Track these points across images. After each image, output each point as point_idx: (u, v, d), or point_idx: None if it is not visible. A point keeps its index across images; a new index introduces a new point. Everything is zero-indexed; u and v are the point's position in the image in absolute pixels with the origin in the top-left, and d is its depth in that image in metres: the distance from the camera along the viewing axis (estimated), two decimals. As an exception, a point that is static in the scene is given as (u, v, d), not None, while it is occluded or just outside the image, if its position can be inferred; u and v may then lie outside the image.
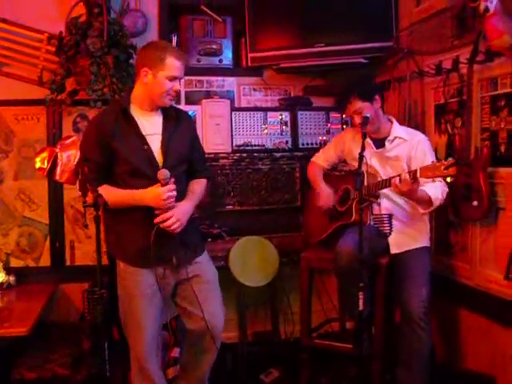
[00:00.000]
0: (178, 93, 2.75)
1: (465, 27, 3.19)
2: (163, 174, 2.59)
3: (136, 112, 2.73)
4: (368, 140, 3.17)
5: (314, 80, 4.24)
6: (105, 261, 3.88)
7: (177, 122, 2.81)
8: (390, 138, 3.23)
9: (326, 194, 3.39)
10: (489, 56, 3.00)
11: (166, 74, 2.65)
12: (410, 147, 3.19)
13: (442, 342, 3.52)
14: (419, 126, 3.61)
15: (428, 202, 3.00)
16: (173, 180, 2.61)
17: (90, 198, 2.49)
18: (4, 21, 3.74)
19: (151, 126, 2.72)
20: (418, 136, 3.25)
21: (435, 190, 3.00)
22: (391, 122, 3.29)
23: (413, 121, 3.68)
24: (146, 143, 2.68)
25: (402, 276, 3.17)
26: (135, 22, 3.92)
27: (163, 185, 2.58)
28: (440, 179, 2.95)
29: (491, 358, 3.09)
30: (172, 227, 2.63)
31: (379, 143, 3.23)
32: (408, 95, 3.71)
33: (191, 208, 2.78)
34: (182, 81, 2.74)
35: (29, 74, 3.81)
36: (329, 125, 4.09)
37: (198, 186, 2.90)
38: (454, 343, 3.42)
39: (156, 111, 2.77)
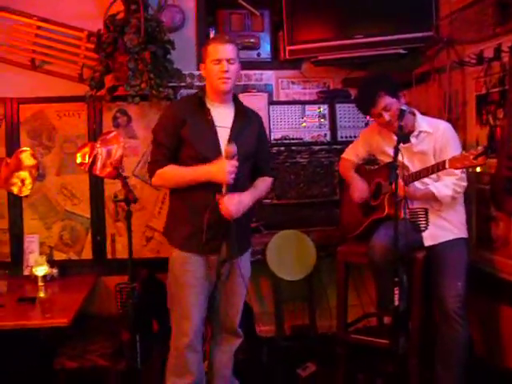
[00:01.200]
0: (229, 72, 2.72)
1: (507, 13, 3.08)
2: (232, 147, 2.65)
3: (209, 104, 2.81)
4: (393, 136, 3.11)
5: (354, 72, 4.18)
6: (146, 254, 4.03)
7: (246, 119, 2.87)
8: (415, 133, 3.16)
9: (360, 187, 3.34)
10: (533, 44, 2.90)
11: (211, 60, 2.73)
12: (434, 140, 3.13)
13: (482, 339, 3.43)
14: (460, 118, 3.52)
15: (435, 199, 3.03)
16: (237, 158, 2.66)
17: (121, 194, 2.53)
18: (45, 20, 3.84)
19: (222, 119, 2.78)
20: (441, 126, 3.18)
21: (443, 187, 3.02)
22: (414, 115, 3.20)
23: (453, 112, 3.58)
24: (216, 133, 2.75)
25: (438, 269, 3.11)
26: (173, 18, 3.96)
27: (228, 158, 2.64)
28: (463, 171, 2.90)
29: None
30: (229, 212, 2.67)
31: (405, 138, 3.12)
32: (448, 86, 3.60)
33: (251, 200, 2.81)
34: (236, 63, 2.74)
35: (69, 71, 3.90)
36: (368, 117, 4.00)
37: (262, 183, 2.96)
38: (493, 340, 3.32)
39: (227, 105, 2.84)
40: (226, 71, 2.70)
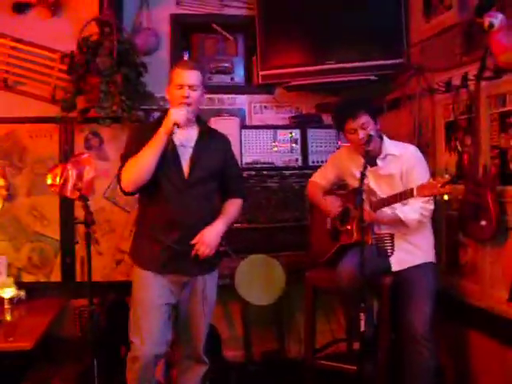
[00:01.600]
0: (189, 98, 2.73)
1: (473, 43, 3.14)
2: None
3: None
4: (361, 159, 3.12)
5: (326, 98, 4.22)
6: (116, 277, 3.98)
7: (210, 139, 2.87)
8: (382, 156, 3.18)
9: (330, 201, 3.33)
10: (497, 72, 2.93)
11: (173, 85, 2.76)
12: (401, 163, 3.15)
13: (452, 365, 3.42)
14: (430, 144, 3.56)
15: (401, 223, 3.05)
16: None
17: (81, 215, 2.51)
18: (19, 40, 3.84)
19: (184, 139, 2.78)
20: (408, 149, 3.21)
21: (410, 211, 3.03)
22: (381, 139, 3.22)
23: (423, 138, 3.62)
24: (177, 152, 2.74)
25: (405, 294, 3.10)
26: (147, 41, 3.98)
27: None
28: (431, 198, 2.93)
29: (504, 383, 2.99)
30: (204, 253, 2.73)
31: (371, 161, 3.14)
32: (418, 112, 3.65)
33: (223, 229, 2.83)
34: (199, 90, 2.76)
35: (42, 92, 3.89)
36: (339, 142, 4.03)
37: (232, 207, 2.95)
38: (464, 366, 3.31)
39: (191, 127, 2.83)
40: (187, 97, 2.72)
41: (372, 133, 3.04)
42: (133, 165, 2.67)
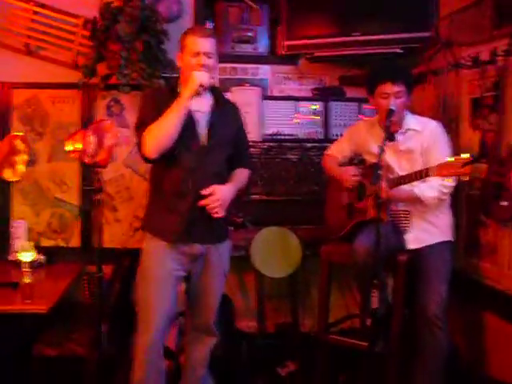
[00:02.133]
0: (206, 67, 2.68)
1: (504, 17, 3.03)
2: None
3: None
4: (381, 133, 3.04)
5: (351, 70, 4.13)
6: (132, 244, 4.01)
7: (225, 107, 2.85)
8: (402, 130, 3.10)
9: (348, 171, 3.26)
10: (527, 48, 2.84)
11: (188, 52, 2.69)
12: (422, 138, 3.07)
13: (467, 346, 3.39)
14: (453, 121, 3.47)
15: (418, 200, 2.97)
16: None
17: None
18: (42, 5, 3.82)
19: (198, 105, 2.73)
20: (430, 124, 3.11)
21: (427, 189, 2.95)
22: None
23: (447, 115, 3.52)
24: (192, 116, 2.70)
25: (420, 273, 3.06)
26: (170, 8, 3.91)
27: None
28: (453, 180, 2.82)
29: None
30: (215, 209, 2.67)
31: (390, 136, 3.05)
32: (444, 88, 3.55)
33: (233, 193, 2.80)
34: (214, 58, 2.71)
35: (64, 57, 3.88)
36: (361, 116, 3.97)
37: (242, 175, 2.92)
38: (479, 348, 3.28)
39: (205, 94, 2.78)
40: (203, 65, 2.67)
41: (393, 108, 2.97)
42: (157, 130, 2.61)
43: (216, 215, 2.69)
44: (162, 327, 2.77)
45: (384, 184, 2.85)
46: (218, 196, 2.68)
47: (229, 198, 2.75)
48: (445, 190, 2.98)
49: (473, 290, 3.32)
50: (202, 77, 2.62)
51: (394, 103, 2.99)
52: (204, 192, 2.67)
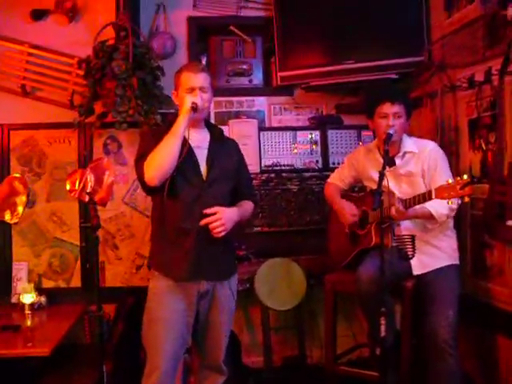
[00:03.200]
0: (202, 101, 2.67)
1: (496, 37, 3.04)
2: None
3: None
4: (379, 158, 3.03)
5: (346, 97, 4.14)
6: (136, 282, 3.96)
7: (223, 142, 2.84)
8: (400, 154, 3.09)
9: (347, 208, 3.24)
10: (521, 66, 2.84)
11: (183, 89, 2.69)
12: (421, 160, 3.05)
13: (480, 371, 3.30)
14: (453, 143, 3.46)
15: (431, 218, 2.92)
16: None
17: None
18: (36, 47, 3.86)
19: (198, 140, 2.73)
20: (428, 146, 3.10)
21: (439, 205, 2.87)
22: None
23: (446, 137, 3.51)
24: (193, 153, 2.69)
25: (428, 298, 3.00)
26: (164, 44, 3.97)
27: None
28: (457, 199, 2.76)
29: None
30: (217, 229, 2.61)
31: (390, 161, 3.06)
32: (440, 111, 3.55)
33: (237, 216, 2.74)
34: (209, 92, 2.71)
35: (60, 97, 3.90)
36: (360, 143, 3.96)
37: (246, 205, 2.89)
38: (492, 373, 3.19)
39: (201, 130, 2.80)
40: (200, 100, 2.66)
41: (392, 132, 2.95)
42: (157, 155, 2.59)
43: (218, 235, 2.63)
44: (170, 369, 2.69)
45: (400, 207, 2.83)
46: (221, 215, 2.64)
47: (232, 219, 2.69)
48: (453, 206, 2.91)
49: (483, 314, 3.25)
50: (192, 98, 2.63)
51: (392, 123, 2.99)
52: (207, 211, 2.63)
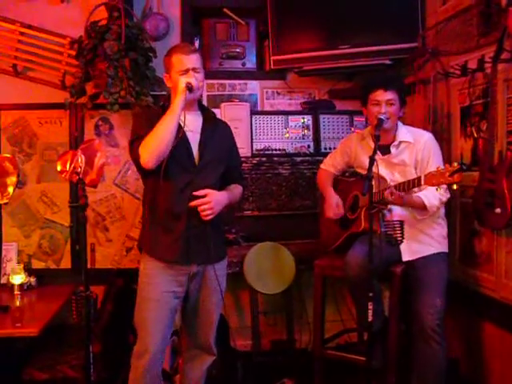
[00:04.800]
0: (196, 79, 2.66)
1: (490, 24, 3.03)
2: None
3: None
4: (372, 145, 3.02)
5: (339, 83, 4.13)
6: (126, 264, 3.96)
7: (215, 126, 2.83)
8: (395, 143, 3.08)
9: (334, 203, 3.25)
10: (514, 54, 2.83)
11: (176, 71, 2.67)
12: (416, 151, 3.05)
13: (466, 357, 3.34)
14: (445, 130, 3.46)
15: (423, 208, 2.93)
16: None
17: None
18: (28, 26, 3.81)
19: (190, 124, 2.70)
20: (424, 137, 3.09)
21: (432, 196, 2.90)
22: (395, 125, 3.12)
23: (438, 124, 3.52)
24: (186, 136, 2.68)
25: (416, 285, 3.02)
26: (157, 26, 3.93)
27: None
28: (445, 186, 2.78)
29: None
30: (205, 211, 2.62)
31: (384, 149, 3.07)
32: (433, 98, 3.54)
33: (226, 200, 2.76)
34: (201, 72, 2.69)
35: (52, 78, 3.86)
36: (352, 129, 3.95)
37: (235, 189, 2.91)
38: (478, 359, 3.23)
39: (194, 112, 2.78)
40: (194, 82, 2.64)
41: (383, 117, 2.95)
42: (153, 137, 2.57)
43: (206, 218, 2.64)
44: (160, 350, 2.72)
45: (394, 190, 2.82)
46: (210, 198, 2.65)
47: (221, 203, 2.71)
48: (444, 199, 2.97)
49: (470, 300, 3.29)
50: (187, 79, 2.61)
51: (385, 110, 2.98)
52: (197, 193, 2.64)
